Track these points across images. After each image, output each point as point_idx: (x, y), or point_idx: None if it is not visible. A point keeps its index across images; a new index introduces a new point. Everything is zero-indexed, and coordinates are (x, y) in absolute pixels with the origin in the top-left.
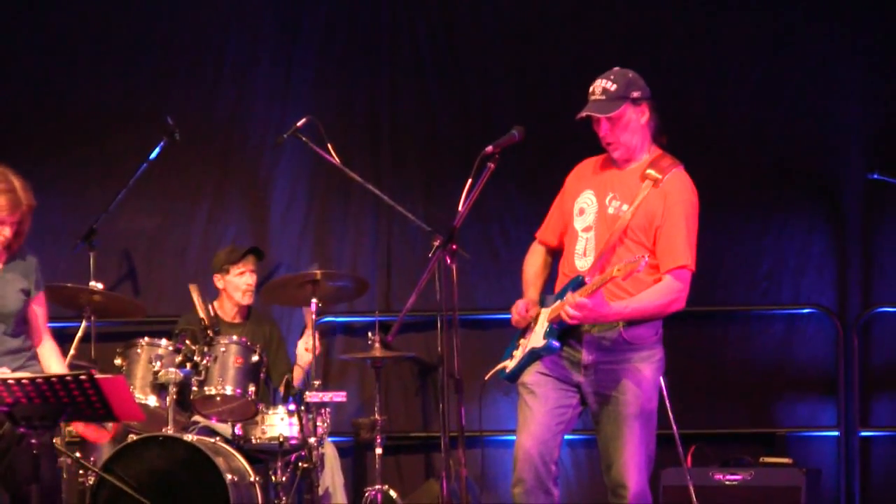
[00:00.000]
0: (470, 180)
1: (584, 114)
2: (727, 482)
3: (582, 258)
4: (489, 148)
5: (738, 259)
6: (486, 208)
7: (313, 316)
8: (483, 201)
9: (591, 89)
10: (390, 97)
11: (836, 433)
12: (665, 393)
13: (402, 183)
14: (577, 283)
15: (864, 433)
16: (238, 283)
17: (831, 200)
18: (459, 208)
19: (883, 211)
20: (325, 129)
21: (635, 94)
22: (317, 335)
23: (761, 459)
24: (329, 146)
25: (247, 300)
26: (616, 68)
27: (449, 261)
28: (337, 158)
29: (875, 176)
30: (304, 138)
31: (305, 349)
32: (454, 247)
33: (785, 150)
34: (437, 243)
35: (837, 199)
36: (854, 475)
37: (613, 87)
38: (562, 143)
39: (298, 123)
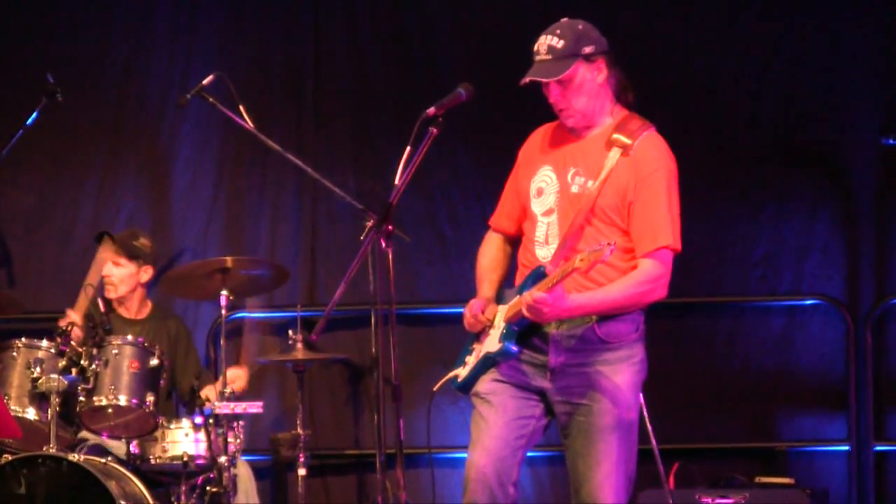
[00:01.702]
0: (409, 148)
1: (527, 79)
2: None
3: (543, 246)
4: (431, 109)
5: (729, 241)
6: (430, 181)
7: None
8: (425, 173)
9: (535, 47)
10: (315, 50)
11: (845, 447)
12: (642, 401)
13: (328, 152)
14: (538, 275)
15: (879, 448)
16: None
17: (838, 171)
18: (397, 181)
19: None
20: (237, 87)
21: (587, 50)
22: (244, 373)
23: (757, 479)
24: (241, 108)
25: (112, 293)
26: (564, 20)
27: (384, 244)
28: (251, 123)
29: (890, 142)
30: (211, 99)
31: (228, 382)
32: (391, 227)
33: (783, 114)
34: (370, 223)
35: (845, 170)
36: (867, 497)
37: (561, 44)
38: (519, 103)
39: (205, 81)
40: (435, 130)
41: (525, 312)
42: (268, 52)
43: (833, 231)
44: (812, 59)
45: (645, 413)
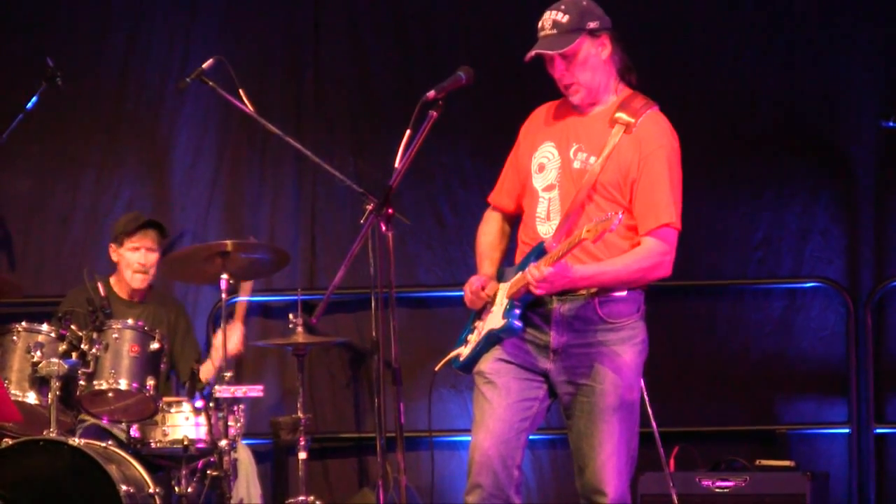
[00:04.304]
0: (409, 131)
1: (532, 53)
2: (717, 489)
3: (545, 223)
4: (431, 93)
5: (729, 224)
6: (430, 165)
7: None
8: (425, 157)
9: (539, 24)
10: (314, 33)
11: (846, 430)
12: (643, 384)
13: (328, 135)
14: (540, 252)
15: (879, 430)
16: (130, 259)
17: (838, 154)
18: (396, 165)
19: None
20: (237, 71)
21: (592, 25)
22: (240, 329)
23: (758, 462)
24: (241, 92)
25: (138, 283)
26: None
27: (384, 228)
28: (251, 106)
29: (890, 124)
30: (211, 83)
31: (231, 345)
32: (391, 211)
33: (782, 95)
34: (370, 207)
35: (846, 153)
36: (868, 479)
37: (565, 19)
38: (520, 87)
39: (204, 65)
40: (435, 114)
41: (530, 286)
42: (267, 36)
43: (833, 214)
44: (811, 42)
45: (646, 396)
